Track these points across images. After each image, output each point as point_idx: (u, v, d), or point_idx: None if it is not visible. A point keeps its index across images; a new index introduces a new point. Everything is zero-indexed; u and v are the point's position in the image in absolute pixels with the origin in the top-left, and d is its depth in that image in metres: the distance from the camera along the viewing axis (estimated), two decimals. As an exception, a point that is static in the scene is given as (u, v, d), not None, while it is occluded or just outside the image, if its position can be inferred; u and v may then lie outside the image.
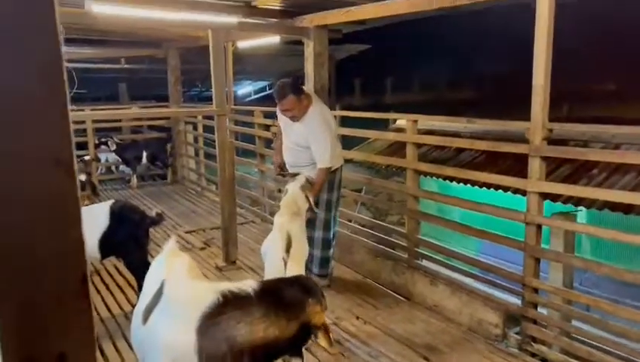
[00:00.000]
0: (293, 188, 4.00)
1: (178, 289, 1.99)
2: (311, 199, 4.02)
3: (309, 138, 4.23)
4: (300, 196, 3.95)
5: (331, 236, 4.54)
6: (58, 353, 0.62)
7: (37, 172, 0.58)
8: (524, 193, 3.65)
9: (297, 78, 4.40)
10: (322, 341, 1.90)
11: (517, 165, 4.12)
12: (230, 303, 1.80)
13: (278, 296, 1.87)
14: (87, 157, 8.14)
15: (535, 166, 3.45)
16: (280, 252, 3.41)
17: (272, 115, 4.85)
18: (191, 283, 2.06)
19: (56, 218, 0.60)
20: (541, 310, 3.62)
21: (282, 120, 4.51)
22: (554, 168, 4.35)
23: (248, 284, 1.89)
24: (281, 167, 4.64)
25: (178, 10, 5.60)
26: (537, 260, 3.55)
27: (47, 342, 0.61)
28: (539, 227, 3.51)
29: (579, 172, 4.26)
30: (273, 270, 3.45)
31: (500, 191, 4.45)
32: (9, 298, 0.60)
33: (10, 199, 0.57)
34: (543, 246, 3.64)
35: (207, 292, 1.84)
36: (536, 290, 3.57)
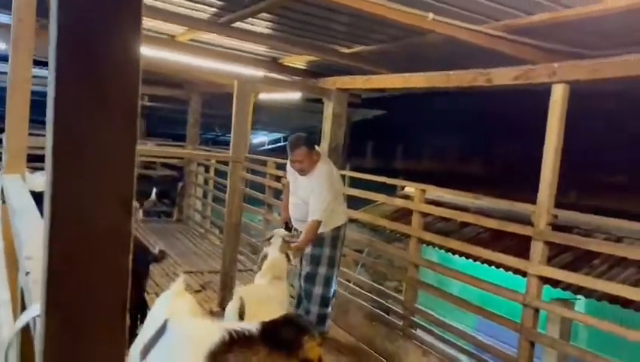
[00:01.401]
0: (272, 253, 3.99)
1: (184, 327, 2.03)
2: (291, 256, 4.04)
3: (312, 191, 4.29)
4: (281, 260, 3.95)
5: (331, 294, 4.51)
6: (90, 375, 0.68)
7: (101, 206, 0.66)
8: (524, 274, 3.68)
9: (311, 135, 4.56)
10: None
11: (520, 246, 4.17)
12: (237, 342, 1.83)
13: (279, 336, 1.91)
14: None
15: (538, 249, 3.50)
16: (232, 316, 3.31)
17: (284, 167, 4.99)
18: (196, 321, 2.10)
19: (111, 248, 0.67)
20: (533, 396, 3.57)
21: (291, 176, 4.63)
22: (557, 253, 4.39)
23: (251, 324, 1.93)
24: (287, 223, 4.70)
25: (207, 57, 5.87)
26: (532, 344, 3.54)
27: (84, 360, 0.67)
28: (536, 310, 3.52)
29: (581, 260, 4.29)
30: None
31: (501, 269, 4.48)
32: (56, 313, 0.67)
33: (74, 228, 0.65)
34: (539, 330, 3.63)
35: (214, 331, 1.88)
36: (529, 375, 3.53)
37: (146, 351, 2.09)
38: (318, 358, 1.93)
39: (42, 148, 0.73)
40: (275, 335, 1.91)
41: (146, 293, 4.28)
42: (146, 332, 2.25)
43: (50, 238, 0.64)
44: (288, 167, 4.61)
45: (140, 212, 9.32)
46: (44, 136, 0.69)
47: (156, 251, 4.40)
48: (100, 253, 0.67)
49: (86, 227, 0.65)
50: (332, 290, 4.52)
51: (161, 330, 2.10)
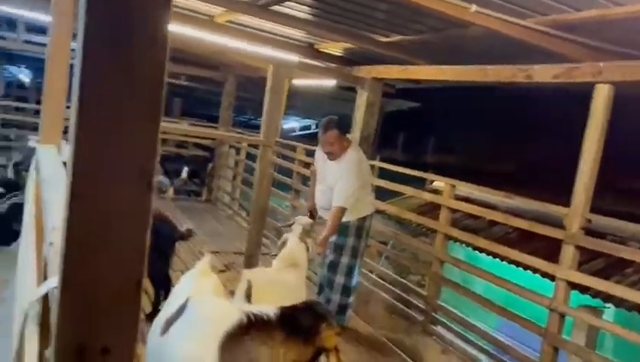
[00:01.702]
0: (291, 240, 3.93)
1: (204, 306, 2.05)
2: (310, 246, 3.97)
3: (339, 178, 4.21)
4: (299, 248, 3.88)
5: (353, 284, 4.46)
6: (103, 346, 0.67)
7: (123, 180, 0.65)
8: (552, 278, 3.60)
9: (343, 120, 4.47)
10: None
11: (550, 248, 4.07)
12: (254, 325, 1.83)
13: (296, 321, 1.90)
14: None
15: (568, 253, 3.40)
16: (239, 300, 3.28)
17: (313, 154, 4.96)
18: (216, 301, 2.12)
19: (130, 223, 0.66)
20: (552, 402, 3.49)
21: (319, 163, 4.56)
22: (588, 259, 4.26)
23: (270, 309, 1.93)
24: (312, 211, 4.66)
25: (244, 39, 5.87)
26: (556, 349, 3.46)
27: (96, 334, 0.67)
28: (562, 316, 3.43)
29: (613, 268, 4.16)
30: None
31: (529, 271, 4.38)
32: (71, 287, 0.66)
33: (95, 198, 0.65)
34: (564, 336, 3.55)
35: (232, 312, 1.89)
36: (550, 381, 3.46)
37: (167, 326, 2.12)
38: (334, 347, 1.91)
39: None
40: (293, 320, 1.90)
41: (171, 270, 4.33)
42: (168, 308, 2.28)
43: (70, 209, 0.64)
44: (317, 153, 4.56)
45: (171, 189, 9.48)
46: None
47: (183, 229, 4.46)
48: (119, 226, 0.66)
49: (106, 199, 0.65)
50: (354, 280, 4.48)
51: (183, 308, 2.13)
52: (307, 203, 4.86)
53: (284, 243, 3.97)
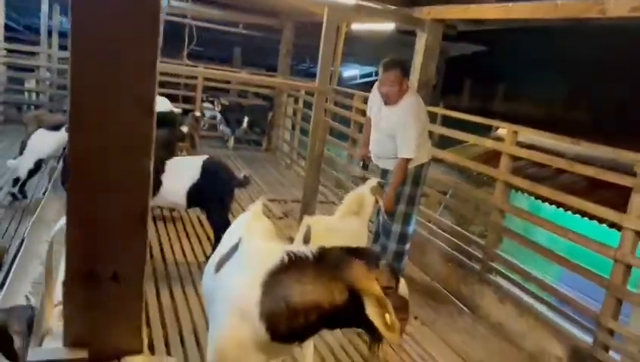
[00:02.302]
0: (362, 189, 3.91)
1: (252, 247, 2.10)
2: (381, 202, 3.93)
3: (397, 125, 4.08)
4: (368, 198, 3.83)
5: (409, 231, 4.41)
6: (113, 271, 0.69)
7: (121, 105, 0.65)
8: (619, 228, 3.40)
9: (407, 62, 4.28)
10: (373, 317, 1.71)
11: (619, 198, 3.82)
12: (293, 263, 1.85)
13: (330, 259, 1.86)
14: (197, 113, 8.57)
15: (637, 202, 3.19)
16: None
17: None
18: (264, 243, 2.17)
19: (130, 149, 0.66)
20: (613, 354, 3.37)
21: (374, 108, 4.42)
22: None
23: (310, 248, 1.93)
24: (365, 159, 4.59)
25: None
26: (620, 301, 3.31)
27: (105, 260, 0.69)
28: (628, 267, 3.26)
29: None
30: None
31: (595, 222, 4.17)
32: (77, 218, 0.68)
33: (94, 125, 0.64)
34: (629, 288, 3.37)
35: (276, 252, 1.91)
36: (611, 333, 3.33)
37: (219, 265, 2.21)
38: (373, 294, 1.79)
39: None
40: (328, 258, 1.88)
41: (231, 215, 4.48)
42: (222, 248, 2.37)
43: (72, 133, 0.64)
44: (372, 98, 4.41)
45: (232, 138, 9.67)
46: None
47: (241, 176, 4.57)
48: (118, 155, 0.66)
49: (106, 125, 0.65)
50: (411, 228, 4.42)
51: (234, 248, 2.20)
52: (360, 150, 4.77)
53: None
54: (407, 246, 4.44)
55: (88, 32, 0.62)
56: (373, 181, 3.97)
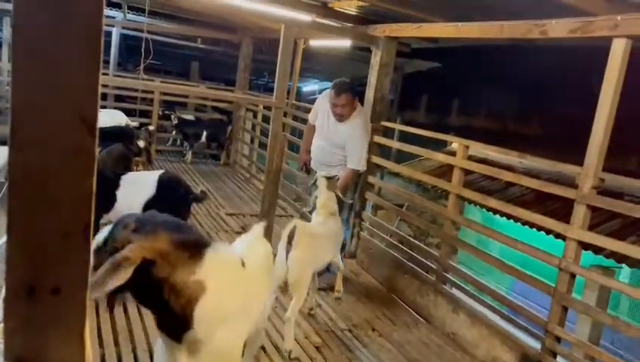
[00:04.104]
0: (321, 192, 4.15)
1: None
2: (339, 193, 4.27)
3: (349, 139, 4.48)
4: (330, 197, 4.15)
5: (345, 237, 4.72)
6: (53, 286, 0.70)
7: (62, 124, 0.66)
8: (564, 238, 3.55)
9: (353, 83, 4.73)
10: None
11: (565, 210, 3.99)
12: None
13: None
14: (151, 128, 8.45)
15: (579, 213, 3.35)
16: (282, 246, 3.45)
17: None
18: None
19: (72, 168, 0.68)
20: (560, 360, 3.51)
21: (321, 118, 4.74)
22: (604, 220, 4.20)
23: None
24: (306, 164, 4.90)
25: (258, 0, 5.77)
26: (565, 308, 3.45)
27: (46, 276, 0.69)
28: (572, 275, 3.40)
29: (629, 229, 4.09)
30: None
31: (542, 232, 4.34)
32: (18, 232, 0.69)
33: (35, 144, 0.66)
34: (574, 295, 3.52)
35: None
36: (558, 339, 3.47)
37: None
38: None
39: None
40: None
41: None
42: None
43: (12, 152, 0.65)
44: (320, 105, 4.76)
45: (190, 153, 9.58)
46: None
47: (198, 191, 4.55)
48: (62, 171, 0.67)
49: (47, 144, 0.66)
50: (346, 233, 4.83)
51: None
52: (300, 157, 5.03)
53: (316, 198, 4.19)
54: (343, 252, 4.74)
55: (29, 50, 0.64)
56: (322, 180, 4.17)
